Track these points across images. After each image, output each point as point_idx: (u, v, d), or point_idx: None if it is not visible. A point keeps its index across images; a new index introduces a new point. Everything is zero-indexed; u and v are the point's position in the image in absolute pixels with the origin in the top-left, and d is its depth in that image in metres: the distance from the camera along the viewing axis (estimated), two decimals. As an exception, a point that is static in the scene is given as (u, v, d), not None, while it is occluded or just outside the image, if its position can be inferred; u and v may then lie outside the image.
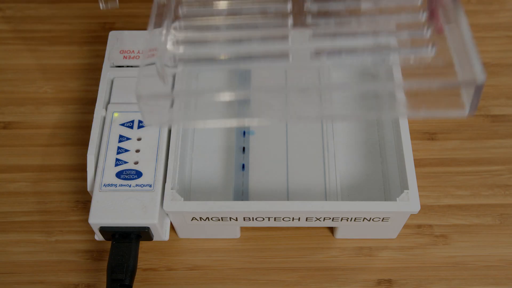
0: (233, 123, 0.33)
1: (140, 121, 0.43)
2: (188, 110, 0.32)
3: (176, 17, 0.39)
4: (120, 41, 0.46)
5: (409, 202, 0.39)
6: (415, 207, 0.39)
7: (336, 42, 0.35)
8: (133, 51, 0.46)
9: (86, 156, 0.41)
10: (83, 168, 0.43)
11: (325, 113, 0.33)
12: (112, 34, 0.47)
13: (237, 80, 0.39)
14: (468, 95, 0.30)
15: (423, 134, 0.49)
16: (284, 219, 0.40)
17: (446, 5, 0.34)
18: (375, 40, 0.35)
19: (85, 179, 0.41)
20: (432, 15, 0.35)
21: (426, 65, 0.34)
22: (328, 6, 0.38)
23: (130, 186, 0.40)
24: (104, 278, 0.42)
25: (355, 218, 0.40)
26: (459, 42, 0.31)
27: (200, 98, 0.32)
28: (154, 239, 0.41)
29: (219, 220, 0.40)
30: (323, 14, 0.39)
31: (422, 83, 0.30)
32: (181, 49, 0.36)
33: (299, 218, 0.40)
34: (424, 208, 0.45)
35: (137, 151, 0.41)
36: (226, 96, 0.31)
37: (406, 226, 0.43)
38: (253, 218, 0.40)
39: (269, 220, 0.40)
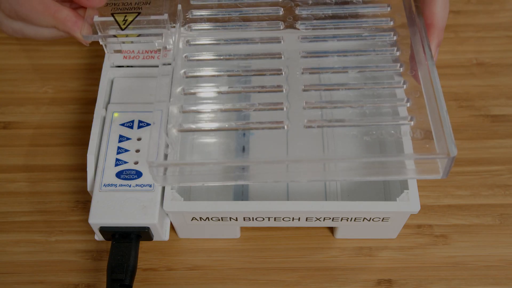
0: (232, 182, 0.37)
1: (140, 121, 0.43)
2: (193, 174, 0.36)
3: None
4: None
5: (409, 202, 0.39)
6: (415, 207, 0.39)
7: (327, 111, 0.40)
8: (133, 51, 0.46)
9: (86, 156, 0.41)
10: (83, 168, 0.43)
11: (327, 177, 0.37)
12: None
13: (234, 136, 0.42)
14: (442, 164, 0.34)
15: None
16: (284, 219, 0.40)
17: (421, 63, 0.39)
18: (361, 110, 0.39)
19: (85, 179, 0.41)
20: (415, 77, 0.39)
21: (406, 134, 0.38)
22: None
23: (130, 186, 0.40)
24: (104, 278, 0.42)
25: (355, 218, 0.40)
26: (435, 115, 0.35)
27: (205, 166, 0.36)
28: (154, 239, 0.41)
29: (219, 220, 0.40)
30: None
31: (406, 156, 0.35)
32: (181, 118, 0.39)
33: (299, 218, 0.40)
34: (424, 208, 0.45)
35: (137, 151, 0.41)
36: (228, 164, 0.36)
37: (406, 226, 0.43)
38: (253, 218, 0.40)
39: (269, 220, 0.40)
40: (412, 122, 0.38)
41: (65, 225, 0.45)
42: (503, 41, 0.54)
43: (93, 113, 0.43)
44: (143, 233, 0.40)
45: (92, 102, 0.44)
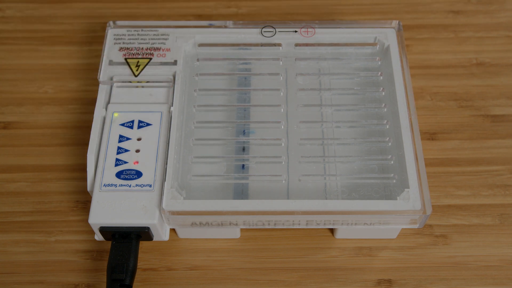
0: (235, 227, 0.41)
1: (140, 121, 0.43)
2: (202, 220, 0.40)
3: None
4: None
5: (410, 201, 0.39)
6: (416, 206, 0.38)
7: (321, 165, 0.43)
8: (132, 48, 0.46)
9: (86, 156, 0.41)
10: (83, 168, 0.43)
11: (321, 223, 0.40)
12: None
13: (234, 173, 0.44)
14: (419, 219, 0.39)
15: (423, 134, 0.49)
16: (284, 223, 0.40)
17: None
18: (351, 166, 0.43)
19: (85, 179, 0.41)
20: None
21: (389, 191, 0.41)
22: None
23: (130, 186, 0.40)
24: (104, 278, 0.42)
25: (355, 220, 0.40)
26: (413, 173, 0.40)
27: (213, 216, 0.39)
28: (154, 239, 0.41)
29: (219, 225, 0.40)
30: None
31: (389, 212, 0.39)
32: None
33: (300, 221, 0.40)
34: (424, 208, 0.45)
35: (137, 151, 0.41)
36: (232, 214, 0.39)
37: (406, 226, 0.44)
38: (253, 223, 0.40)
39: (269, 224, 0.40)
40: (394, 180, 0.41)
41: (65, 225, 0.45)
42: (503, 41, 0.55)
43: (93, 113, 0.43)
44: (143, 233, 0.40)
45: (92, 102, 0.44)
